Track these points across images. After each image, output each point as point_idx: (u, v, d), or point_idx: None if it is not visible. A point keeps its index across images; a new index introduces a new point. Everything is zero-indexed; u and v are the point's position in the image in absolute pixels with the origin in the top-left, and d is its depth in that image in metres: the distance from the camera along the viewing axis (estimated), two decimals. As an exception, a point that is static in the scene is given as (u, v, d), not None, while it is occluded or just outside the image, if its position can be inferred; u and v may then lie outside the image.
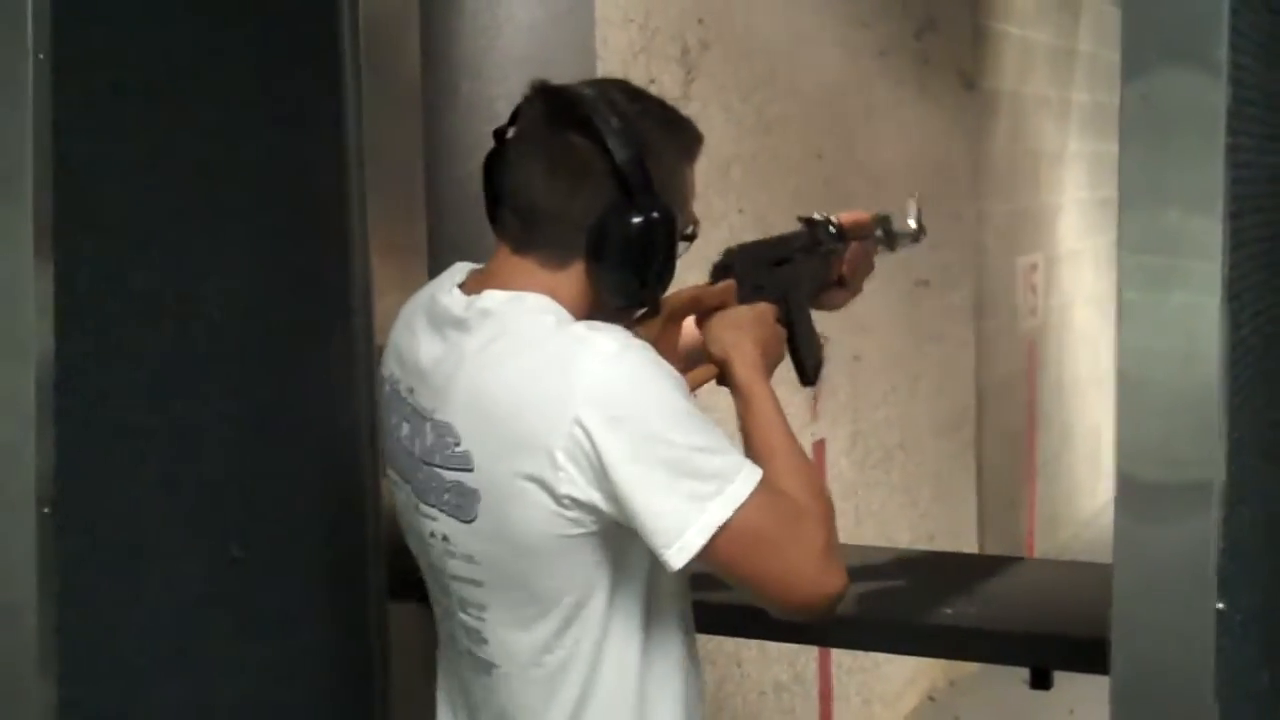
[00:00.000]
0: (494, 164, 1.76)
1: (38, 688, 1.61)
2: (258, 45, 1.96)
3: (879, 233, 2.12)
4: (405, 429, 1.76)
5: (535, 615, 1.68)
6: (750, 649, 3.93)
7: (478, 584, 1.71)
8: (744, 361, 1.79)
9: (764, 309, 1.88)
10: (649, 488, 1.55)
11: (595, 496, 1.57)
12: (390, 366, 1.82)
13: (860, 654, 4.77)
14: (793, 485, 1.65)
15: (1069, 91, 7.39)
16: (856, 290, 2.11)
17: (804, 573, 1.60)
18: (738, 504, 1.56)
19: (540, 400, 1.58)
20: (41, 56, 1.61)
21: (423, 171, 2.33)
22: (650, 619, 1.70)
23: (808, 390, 4.32)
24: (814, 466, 1.73)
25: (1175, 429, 1.24)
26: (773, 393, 1.79)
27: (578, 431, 1.55)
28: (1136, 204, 1.25)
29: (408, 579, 2.18)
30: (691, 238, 1.76)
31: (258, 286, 1.95)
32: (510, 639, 1.71)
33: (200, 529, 1.84)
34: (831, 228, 2.03)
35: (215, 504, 1.87)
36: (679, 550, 1.56)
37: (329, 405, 2.10)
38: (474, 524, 1.67)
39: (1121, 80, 1.25)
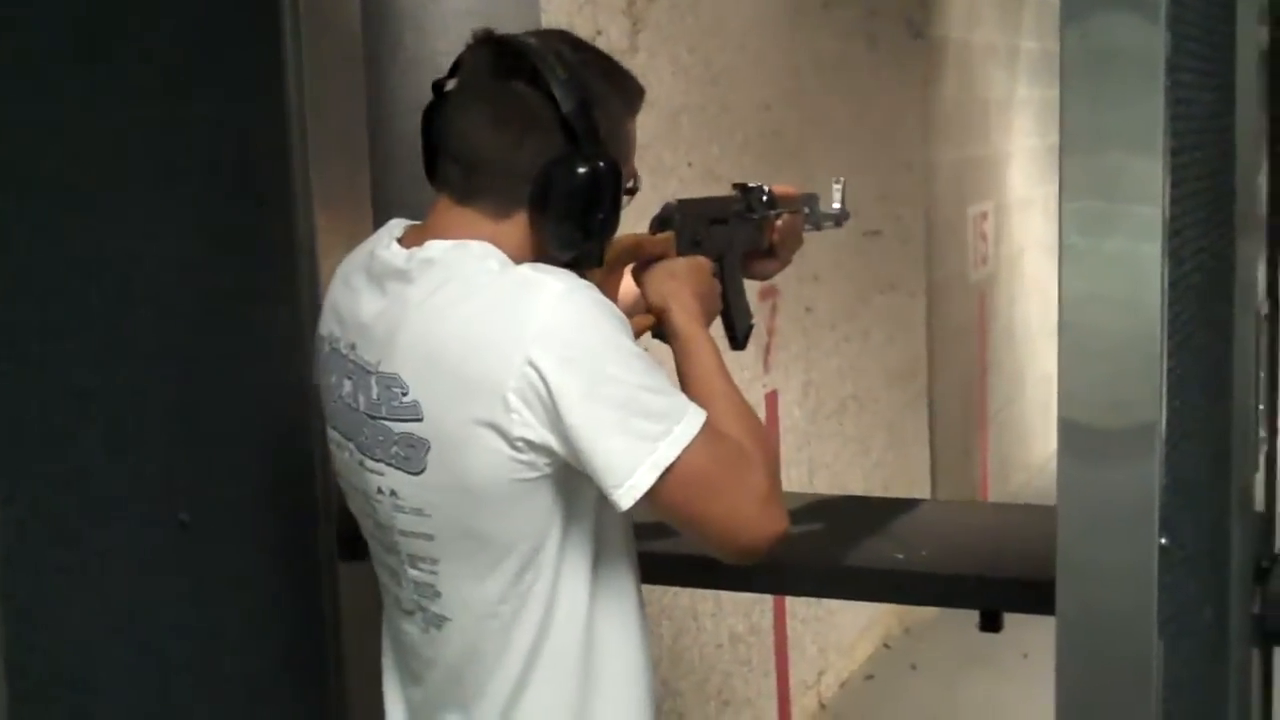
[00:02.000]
0: (433, 116, 1.75)
1: (-16, 654, 1.60)
2: (194, 2, 1.93)
3: (805, 210, 2.13)
4: (347, 386, 1.75)
5: (489, 564, 1.67)
6: (706, 601, 3.95)
7: (429, 537, 1.70)
8: (682, 309, 1.80)
9: (701, 262, 1.89)
10: (601, 427, 1.55)
11: (549, 438, 1.57)
12: (329, 325, 1.81)
13: (816, 603, 4.81)
14: (735, 429, 1.66)
15: (1017, 39, 7.40)
16: (785, 261, 2.11)
17: (746, 514, 1.61)
18: (684, 444, 1.57)
19: (490, 343, 1.57)
20: (-27, 18, 1.58)
21: (365, 128, 2.31)
22: (599, 563, 1.71)
23: (759, 341, 4.34)
24: (753, 411, 1.73)
25: (1117, 373, 1.25)
26: (711, 340, 1.80)
27: (530, 372, 1.55)
28: (1077, 148, 1.25)
29: (358, 539, 2.18)
30: (633, 191, 1.75)
31: (200, 247, 1.93)
32: (465, 590, 1.70)
33: (146, 493, 1.83)
34: (765, 196, 2.03)
35: (161, 468, 1.85)
36: (629, 489, 1.56)
37: (275, 366, 2.09)
38: (423, 475, 1.66)
39: (1060, 23, 1.25)
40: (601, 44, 1.86)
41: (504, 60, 1.67)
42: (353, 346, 1.74)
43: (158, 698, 1.84)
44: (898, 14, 5.59)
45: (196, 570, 1.90)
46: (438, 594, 1.73)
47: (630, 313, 1.78)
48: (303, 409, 2.12)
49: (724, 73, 4.13)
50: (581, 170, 1.64)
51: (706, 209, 1.96)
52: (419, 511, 1.69)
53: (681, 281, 1.83)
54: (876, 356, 5.40)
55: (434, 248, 1.67)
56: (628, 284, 1.88)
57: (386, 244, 1.73)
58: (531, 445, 1.58)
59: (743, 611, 4.25)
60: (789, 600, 4.56)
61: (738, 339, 2.02)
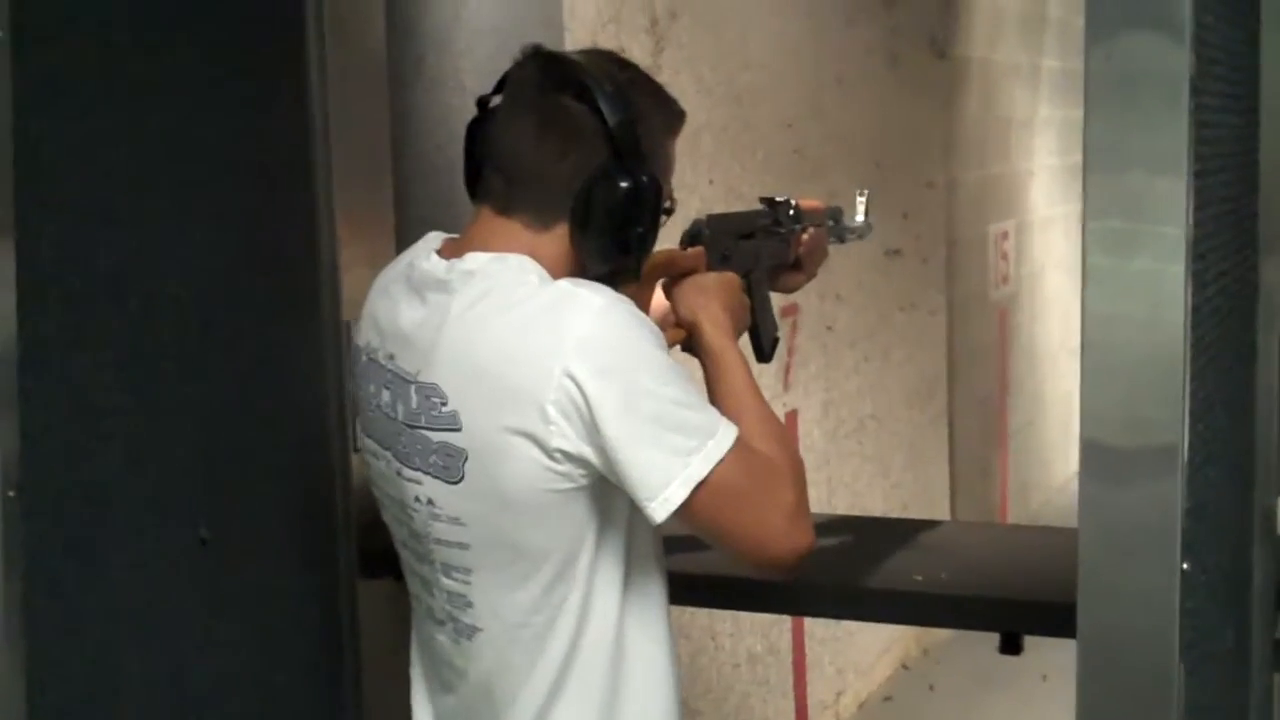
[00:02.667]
0: (477, 129, 1.77)
1: (6, 668, 1.60)
2: (221, 19, 1.94)
3: (830, 223, 2.15)
4: (385, 396, 1.75)
5: (523, 574, 1.68)
6: (724, 621, 3.94)
7: (464, 546, 1.71)
8: (713, 324, 1.81)
9: (731, 277, 1.90)
10: (637, 441, 1.57)
11: (586, 450, 1.59)
12: (366, 336, 1.82)
13: (834, 624, 4.79)
14: (764, 444, 1.67)
15: (1039, 58, 7.39)
16: (811, 274, 2.13)
17: (776, 528, 1.63)
18: (717, 459, 1.58)
19: (529, 354, 1.59)
20: (1, 35, 1.59)
21: (389, 144, 2.32)
22: (631, 575, 1.71)
23: (779, 360, 4.33)
24: (783, 426, 1.75)
25: (1139, 394, 1.24)
26: (741, 355, 1.81)
27: (568, 384, 1.56)
28: (1101, 168, 1.25)
29: (378, 556, 2.18)
30: (669, 211, 1.76)
31: (224, 263, 1.94)
32: (498, 600, 1.71)
33: (168, 509, 1.84)
34: (791, 210, 2.05)
35: (183, 484, 1.86)
36: (663, 503, 1.58)
37: (297, 382, 2.10)
38: (461, 484, 1.67)
39: (1085, 45, 1.25)
40: (625, 62, 1.86)
41: (551, 74, 1.69)
42: (391, 357, 1.75)
43: (177, 713, 1.84)
44: (920, 33, 5.59)
45: (216, 586, 1.91)
46: (470, 604, 1.74)
47: (660, 326, 1.79)
48: (324, 425, 2.13)
49: (746, 91, 4.13)
50: (624, 185, 1.66)
51: (735, 224, 1.98)
52: (456, 520, 1.70)
53: (711, 296, 1.84)
54: (896, 375, 5.39)
55: (474, 259, 1.68)
56: (658, 298, 1.89)
57: (426, 255, 1.75)
58: (569, 457, 1.60)
59: (761, 631, 4.24)
60: (807, 621, 4.54)
61: (764, 351, 2.03)
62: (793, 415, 4.43)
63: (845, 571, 1.97)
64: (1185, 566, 1.22)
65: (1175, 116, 1.22)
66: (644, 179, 1.67)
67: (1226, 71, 1.33)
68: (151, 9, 1.83)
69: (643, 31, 3.49)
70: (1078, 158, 1.26)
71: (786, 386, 4.39)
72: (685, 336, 1.83)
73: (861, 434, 5.08)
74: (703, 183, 3.84)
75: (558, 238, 1.69)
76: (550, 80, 1.69)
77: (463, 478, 1.66)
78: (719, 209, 3.88)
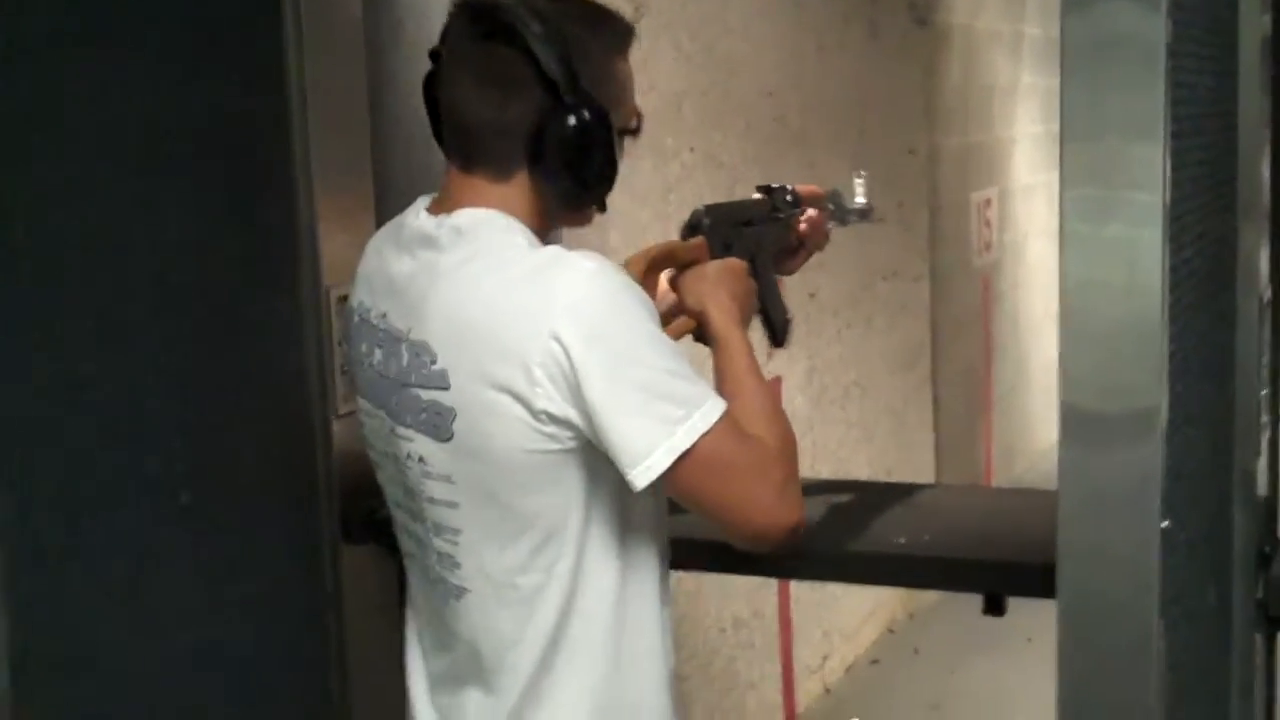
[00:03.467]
0: (430, 85, 1.78)
1: (-13, 637, 1.60)
2: (195, -14, 1.93)
3: (830, 206, 2.17)
4: (378, 355, 1.77)
5: (511, 535, 1.69)
6: (709, 584, 3.95)
7: (454, 505, 1.72)
8: (720, 311, 1.82)
9: (735, 263, 1.90)
10: (621, 406, 1.57)
11: (571, 413, 1.59)
12: (359, 296, 1.84)
13: (819, 588, 4.81)
14: (759, 423, 1.68)
15: (1021, 25, 7.38)
16: (810, 253, 2.16)
17: (762, 502, 1.64)
18: (703, 430, 1.59)
19: (518, 315, 1.59)
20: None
21: (367, 111, 2.31)
22: (627, 545, 1.72)
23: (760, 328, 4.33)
24: (782, 411, 1.76)
25: (1118, 358, 1.25)
26: (747, 340, 1.82)
27: (555, 346, 1.56)
28: (1078, 134, 1.25)
29: (361, 522, 2.18)
30: (635, 131, 1.77)
31: (199, 231, 1.93)
32: (485, 560, 1.72)
33: (148, 477, 1.83)
34: (789, 195, 2.08)
35: (162, 451, 1.85)
36: (645, 470, 1.58)
37: (277, 348, 2.09)
38: (450, 442, 1.67)
39: (1061, 10, 1.25)
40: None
41: (479, 23, 1.69)
42: (384, 315, 1.76)
43: (160, 680, 1.84)
44: (901, 0, 5.58)
45: (198, 553, 1.91)
46: (458, 565, 1.75)
47: (667, 318, 1.80)
48: (304, 390, 2.12)
49: (726, 58, 4.12)
50: (570, 123, 1.66)
51: (734, 213, 1.99)
52: (447, 479, 1.71)
53: (716, 284, 1.85)
54: (880, 342, 5.40)
55: (461, 216, 1.69)
56: (663, 290, 1.90)
57: (416, 214, 1.77)
58: (554, 419, 1.60)
59: (746, 596, 4.25)
60: (793, 585, 4.56)
61: (778, 335, 2.05)
62: (776, 382, 4.43)
63: (830, 535, 1.97)
64: (1165, 525, 1.22)
65: (1152, 81, 1.22)
66: (588, 113, 1.66)
67: (1203, 34, 1.33)
68: (126, -24, 1.81)
69: (623, -2, 3.48)
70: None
71: (770, 354, 4.39)
72: (694, 326, 1.84)
73: (845, 401, 5.09)
74: (684, 150, 3.83)
75: (520, 186, 1.70)
76: (479, 29, 1.68)
77: (452, 436, 1.67)
78: (699, 176, 3.89)
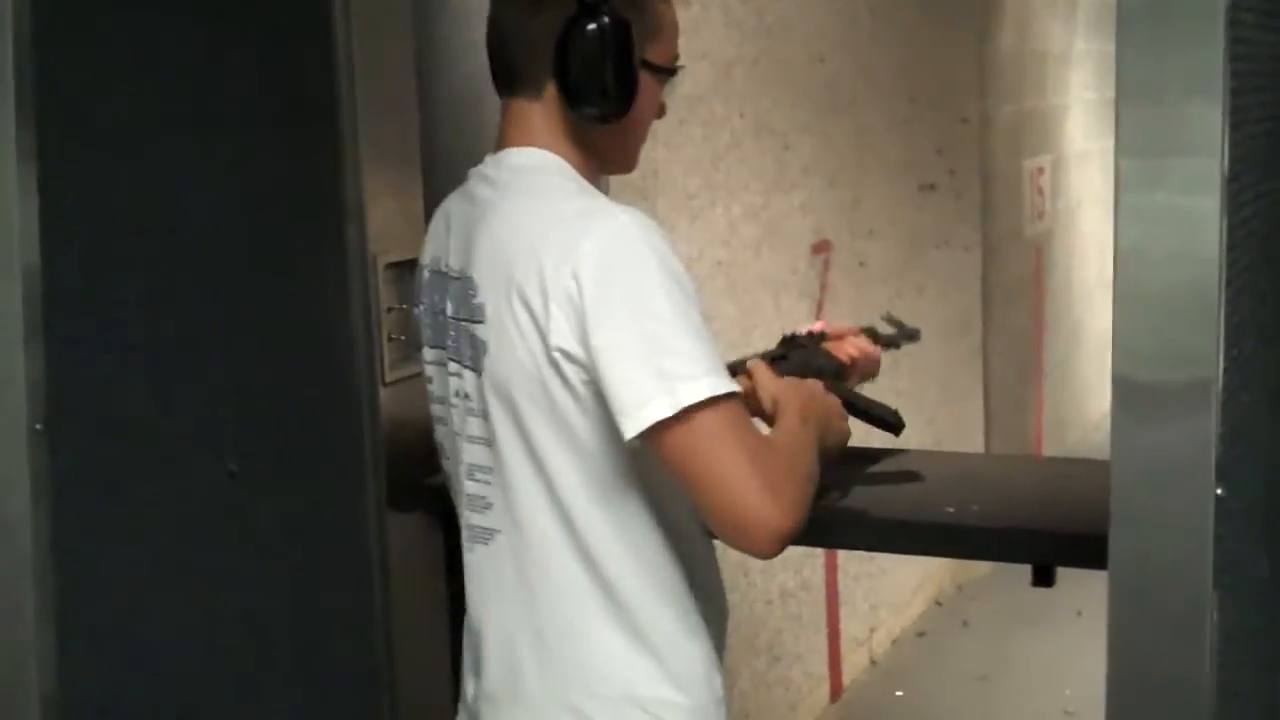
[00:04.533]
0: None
1: (35, 602, 1.61)
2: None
3: (873, 337, 2.22)
4: (437, 298, 1.86)
5: (531, 475, 1.73)
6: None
7: (488, 443, 1.77)
8: (790, 407, 1.83)
9: (810, 380, 1.95)
10: (623, 352, 1.60)
11: (580, 352, 1.63)
12: (426, 253, 1.92)
13: (867, 560, 4.79)
14: (784, 459, 1.69)
15: (1075, -9, 7.31)
16: (861, 378, 2.19)
17: (748, 492, 1.60)
18: (705, 396, 1.59)
19: (549, 251, 1.65)
20: (19, -35, 1.58)
21: (415, 77, 2.30)
22: (648, 496, 1.73)
23: (812, 295, 4.31)
24: (811, 469, 1.75)
25: (1172, 325, 1.22)
26: (806, 428, 1.80)
27: (571, 284, 1.62)
28: (1134, 96, 1.22)
29: (408, 490, 2.18)
30: (671, 71, 1.84)
31: (250, 195, 1.93)
32: (511, 501, 1.76)
33: (196, 443, 1.84)
34: (811, 334, 2.15)
35: (211, 417, 1.85)
36: (637, 419, 1.60)
37: (325, 315, 2.09)
38: (483, 375, 1.74)
39: (1118, -32, 1.22)
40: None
41: None
42: (447, 261, 1.84)
43: (205, 647, 1.85)
44: (954, -35, 5.53)
45: (245, 520, 1.91)
46: (489, 505, 1.80)
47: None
48: (352, 357, 2.12)
49: (777, 24, 4.09)
50: (590, 28, 1.73)
51: (781, 368, 2.02)
52: (483, 415, 1.77)
53: (791, 389, 1.88)
54: (930, 311, 5.36)
55: (516, 155, 1.79)
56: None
57: (480, 161, 1.86)
58: (567, 355, 1.64)
59: (794, 567, 4.24)
60: (840, 557, 4.55)
61: (891, 423, 2.08)
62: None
63: (878, 504, 1.95)
64: (1220, 492, 1.20)
65: (1211, 39, 1.19)
66: (607, 20, 1.72)
67: (1264, -12, 1.30)
68: (173, -57, 1.81)
69: (672, -37, 3.46)
70: (1114, 92, 1.24)
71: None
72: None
73: (895, 369, 5.05)
74: (734, 116, 3.81)
75: (551, 100, 1.78)
76: None
77: (484, 369, 1.74)
78: (748, 143, 3.86)
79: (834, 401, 1.93)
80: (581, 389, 1.66)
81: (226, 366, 1.88)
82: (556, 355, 1.65)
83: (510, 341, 1.69)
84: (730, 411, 1.61)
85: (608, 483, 1.71)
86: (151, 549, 1.76)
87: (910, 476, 2.10)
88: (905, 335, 2.29)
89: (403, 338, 2.18)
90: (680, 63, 1.85)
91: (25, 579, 1.60)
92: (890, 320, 2.30)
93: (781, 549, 1.63)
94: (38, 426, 1.61)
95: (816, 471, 1.75)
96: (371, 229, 2.14)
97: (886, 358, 2.25)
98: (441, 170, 2.21)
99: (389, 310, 2.17)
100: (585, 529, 1.72)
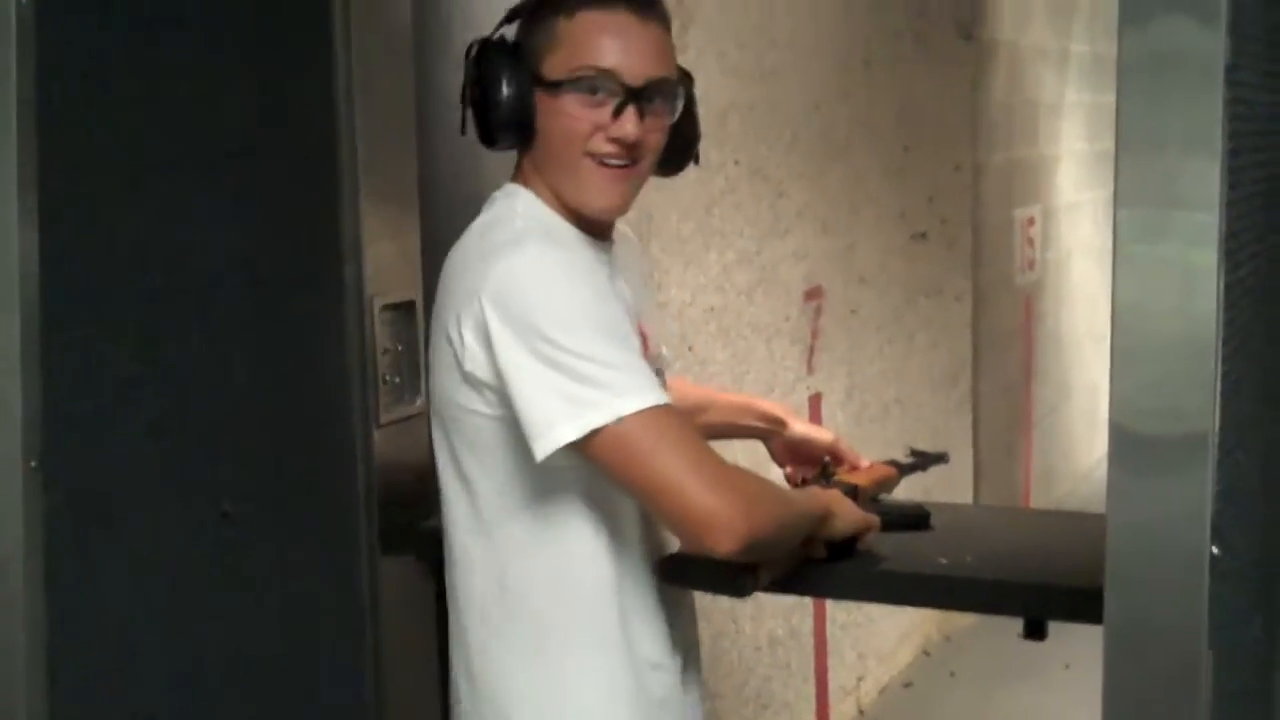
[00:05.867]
0: None
1: (26, 640, 1.60)
2: (246, -7, 1.93)
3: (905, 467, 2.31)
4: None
5: (458, 494, 1.81)
6: (745, 604, 3.93)
7: (438, 463, 1.85)
8: (839, 504, 1.92)
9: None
10: (528, 378, 1.65)
11: (491, 378, 1.69)
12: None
13: (856, 609, 4.78)
14: (774, 504, 1.73)
15: (1067, 42, 7.34)
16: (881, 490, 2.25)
17: (691, 490, 1.63)
18: (618, 415, 1.63)
19: (466, 278, 1.72)
20: (24, 1, 1.58)
21: (414, 121, 2.30)
22: (566, 528, 1.77)
23: (803, 342, 4.31)
24: (795, 512, 1.81)
25: (1170, 379, 1.23)
26: (814, 505, 1.86)
27: (479, 312, 1.68)
28: (1133, 150, 1.23)
29: (400, 533, 2.18)
30: (570, 85, 1.79)
31: (248, 234, 1.93)
32: (448, 519, 1.84)
33: (189, 482, 1.83)
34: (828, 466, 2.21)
35: (204, 457, 1.85)
36: (544, 443, 1.65)
37: (320, 356, 2.09)
38: (430, 400, 1.84)
39: (1119, 24, 1.23)
40: (672, 43, 1.87)
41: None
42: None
43: (196, 685, 1.84)
44: (947, 15, 5.56)
45: (237, 560, 1.90)
46: (445, 524, 1.88)
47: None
48: (347, 399, 2.12)
49: (773, 71, 4.11)
50: (472, 59, 1.82)
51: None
52: (435, 437, 1.86)
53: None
54: (921, 360, 5.37)
55: (498, 191, 1.86)
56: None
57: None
58: (479, 381, 1.71)
59: (782, 615, 4.23)
60: (829, 605, 4.53)
61: (919, 521, 2.12)
62: (816, 399, 4.41)
63: (868, 554, 1.95)
64: (1215, 551, 1.21)
65: (1210, 98, 1.20)
66: (476, 49, 1.81)
67: (1264, 49, 1.31)
68: (177, -19, 1.82)
69: (669, 10, 3.47)
70: (1106, 143, 1.25)
71: (810, 370, 4.37)
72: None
73: (885, 418, 5.06)
74: (728, 162, 3.82)
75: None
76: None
77: (430, 395, 1.84)
78: (744, 189, 3.87)
79: (853, 507, 1.96)
80: (497, 413, 1.72)
81: (221, 406, 1.88)
82: (471, 381, 1.71)
83: (438, 367, 1.78)
84: (656, 420, 1.64)
85: (530, 511, 1.76)
86: (144, 589, 1.76)
87: (901, 526, 2.09)
88: (930, 460, 2.37)
89: (398, 379, 2.18)
90: (599, 65, 1.77)
91: (17, 618, 1.60)
92: (914, 452, 2.37)
93: (743, 545, 1.65)
94: (32, 464, 1.60)
95: (800, 507, 1.80)
96: (369, 270, 2.14)
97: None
98: (439, 213, 2.21)
99: (384, 352, 2.17)
100: (506, 555, 1.78)
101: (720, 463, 1.68)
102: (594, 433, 1.63)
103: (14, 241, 1.58)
